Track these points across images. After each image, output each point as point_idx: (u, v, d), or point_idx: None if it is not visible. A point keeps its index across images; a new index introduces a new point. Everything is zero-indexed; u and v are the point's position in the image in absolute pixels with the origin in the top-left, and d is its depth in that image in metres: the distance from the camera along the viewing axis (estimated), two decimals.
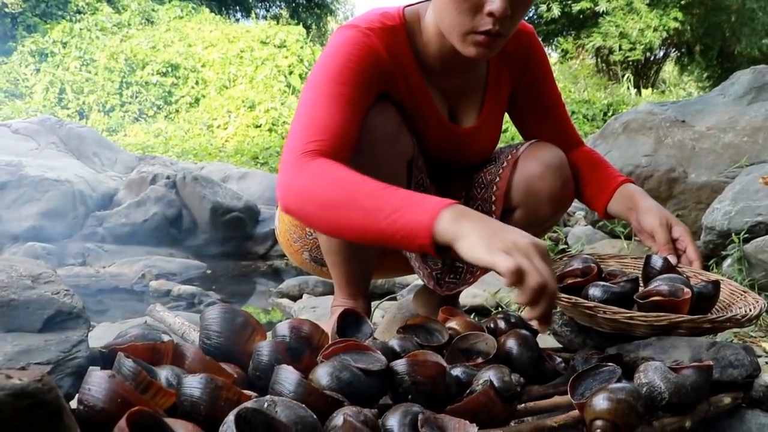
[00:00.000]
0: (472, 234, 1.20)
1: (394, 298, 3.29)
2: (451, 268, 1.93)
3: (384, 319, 2.51)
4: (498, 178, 1.85)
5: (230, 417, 0.80)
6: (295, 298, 3.73)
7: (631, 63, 12.98)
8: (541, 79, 1.93)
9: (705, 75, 13.13)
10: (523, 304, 1.18)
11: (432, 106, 1.76)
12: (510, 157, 1.86)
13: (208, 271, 4.63)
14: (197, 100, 12.80)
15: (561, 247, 4.22)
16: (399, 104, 1.70)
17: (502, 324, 1.47)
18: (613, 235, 3.90)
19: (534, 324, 1.25)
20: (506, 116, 2.00)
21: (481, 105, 1.85)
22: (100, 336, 2.26)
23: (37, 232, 4.73)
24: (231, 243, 5.23)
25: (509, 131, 8.98)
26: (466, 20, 1.51)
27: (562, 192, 1.82)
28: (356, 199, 1.32)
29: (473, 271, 1.90)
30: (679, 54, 13.66)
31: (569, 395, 1.16)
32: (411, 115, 1.73)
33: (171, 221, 5.15)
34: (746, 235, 2.72)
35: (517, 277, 1.14)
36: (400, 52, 1.68)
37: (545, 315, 1.19)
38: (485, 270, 1.89)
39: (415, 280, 3.64)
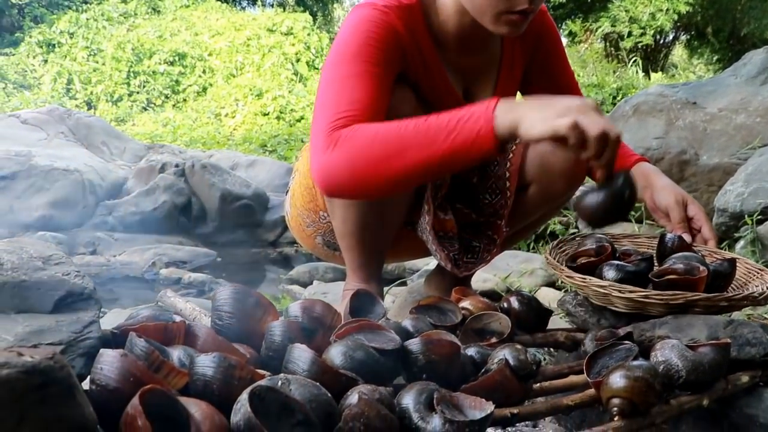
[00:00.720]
0: (526, 116, 1.30)
1: (404, 284, 3.28)
2: (467, 248, 1.92)
3: (395, 303, 2.50)
4: (511, 155, 1.84)
5: (244, 395, 0.79)
6: (305, 285, 3.74)
7: (640, 47, 12.88)
8: (554, 56, 1.91)
9: (715, 58, 13.01)
10: (591, 157, 1.28)
11: (447, 85, 1.75)
12: None
13: (218, 259, 4.63)
14: (205, 89, 12.76)
15: (571, 231, 4.20)
16: (415, 83, 1.69)
17: (515, 304, 1.46)
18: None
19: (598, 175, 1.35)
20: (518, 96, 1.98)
21: (495, 83, 1.84)
22: (112, 322, 2.25)
23: (47, 221, 4.74)
24: (241, 230, 5.23)
25: None
26: (501, 0, 1.51)
27: (576, 167, 1.80)
28: (407, 140, 1.38)
29: (490, 249, 1.89)
30: (689, 37, 13.53)
31: (585, 374, 1.14)
32: (426, 94, 1.72)
33: (180, 209, 5.14)
34: (759, 217, 2.69)
35: (578, 132, 1.25)
36: (417, 30, 1.66)
37: (611, 161, 1.30)
38: (500, 249, 1.88)
39: (426, 265, 3.63)
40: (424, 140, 1.36)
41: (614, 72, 12.47)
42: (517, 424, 1.60)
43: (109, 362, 0.84)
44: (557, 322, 2.16)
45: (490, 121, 1.31)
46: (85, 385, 0.89)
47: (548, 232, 3.90)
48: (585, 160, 1.30)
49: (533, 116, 1.29)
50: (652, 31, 12.32)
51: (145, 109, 12.18)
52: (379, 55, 1.56)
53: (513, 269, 3.17)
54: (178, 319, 1.07)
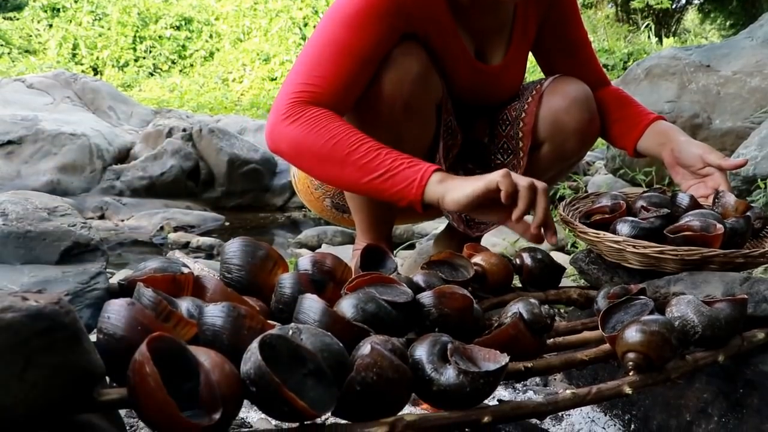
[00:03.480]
0: (456, 186, 1.38)
1: (413, 247, 3.27)
2: None
3: (404, 265, 2.49)
4: (524, 114, 1.81)
5: (254, 344, 0.77)
6: (313, 249, 3.74)
7: (652, 11, 12.70)
8: (568, 15, 1.87)
9: (728, 23, 12.81)
10: (523, 209, 1.36)
11: (461, 45, 1.72)
12: (534, 92, 1.81)
13: (227, 223, 4.63)
14: (212, 54, 12.66)
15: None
16: (426, 44, 1.65)
17: (528, 260, 1.44)
18: (635, 183, 3.84)
19: (546, 242, 1.42)
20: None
21: (508, 43, 1.81)
22: None
23: (54, 186, 4.74)
24: (248, 195, 5.22)
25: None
26: None
27: (589, 126, 1.78)
28: (352, 157, 1.44)
29: None
30: (702, 1, 13.33)
31: (600, 328, 1.12)
32: (439, 55, 1.69)
33: (188, 174, 5.14)
34: None
35: (510, 181, 1.33)
36: None
37: (547, 216, 1.38)
38: None
39: (435, 229, 3.61)
40: (363, 166, 1.43)
41: (625, 37, 12.32)
42: (528, 382, 1.59)
43: (116, 311, 0.82)
44: (570, 282, 2.15)
45: (424, 180, 1.39)
46: (92, 337, 0.87)
47: (558, 196, 3.88)
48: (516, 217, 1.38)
49: (461, 184, 1.38)
50: None
51: (152, 75, 12.11)
52: (373, 25, 1.53)
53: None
54: (186, 270, 1.06)
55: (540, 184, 1.36)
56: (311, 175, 1.62)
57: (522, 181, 1.34)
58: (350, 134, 1.45)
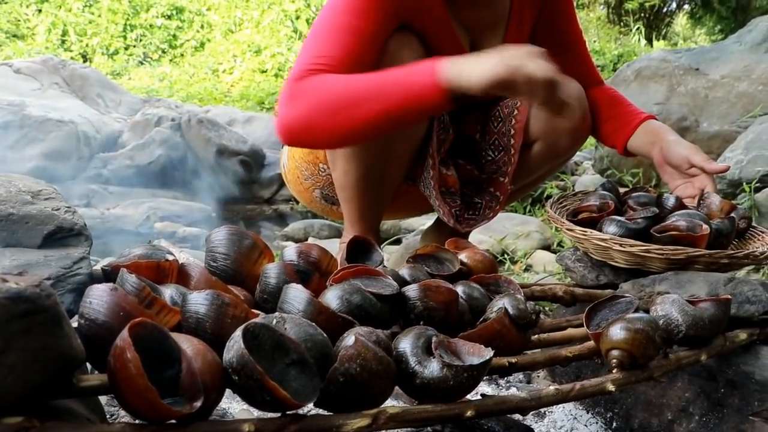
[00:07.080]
0: (471, 65, 1.33)
1: (399, 242, 3.26)
2: (469, 204, 1.90)
3: (391, 259, 2.49)
4: (516, 111, 1.81)
5: (237, 332, 0.77)
6: (300, 242, 3.72)
7: (642, 14, 12.75)
8: (563, 13, 1.88)
9: (718, 28, 12.86)
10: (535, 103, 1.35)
11: (455, 40, 1.72)
12: None
13: (213, 214, 4.61)
14: (202, 44, 12.57)
15: None
16: (422, 37, 1.65)
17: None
18: (622, 184, 3.85)
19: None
20: None
21: (503, 38, 1.81)
22: None
23: (40, 173, 4.69)
24: (236, 186, 5.20)
25: None
26: None
27: (581, 124, 1.79)
28: (361, 93, 1.40)
29: (492, 207, 1.87)
30: (692, 7, 13.38)
31: (585, 326, 1.12)
32: (433, 48, 1.69)
33: (176, 164, 5.10)
34: (757, 185, 2.69)
35: (523, 75, 1.29)
36: None
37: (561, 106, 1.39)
38: (503, 205, 1.86)
39: (422, 225, 3.60)
40: (376, 93, 1.39)
41: (616, 39, 12.36)
42: (511, 379, 1.59)
43: (98, 296, 0.81)
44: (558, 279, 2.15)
45: (436, 73, 1.34)
46: (74, 323, 0.86)
47: (545, 195, 3.89)
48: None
49: (477, 64, 1.32)
50: None
51: (142, 63, 12.02)
52: (373, 10, 1.52)
53: (509, 231, 3.15)
54: (171, 257, 1.05)
55: (555, 79, 1.32)
56: (331, 138, 1.50)
57: (539, 72, 1.31)
58: (347, 79, 1.43)
